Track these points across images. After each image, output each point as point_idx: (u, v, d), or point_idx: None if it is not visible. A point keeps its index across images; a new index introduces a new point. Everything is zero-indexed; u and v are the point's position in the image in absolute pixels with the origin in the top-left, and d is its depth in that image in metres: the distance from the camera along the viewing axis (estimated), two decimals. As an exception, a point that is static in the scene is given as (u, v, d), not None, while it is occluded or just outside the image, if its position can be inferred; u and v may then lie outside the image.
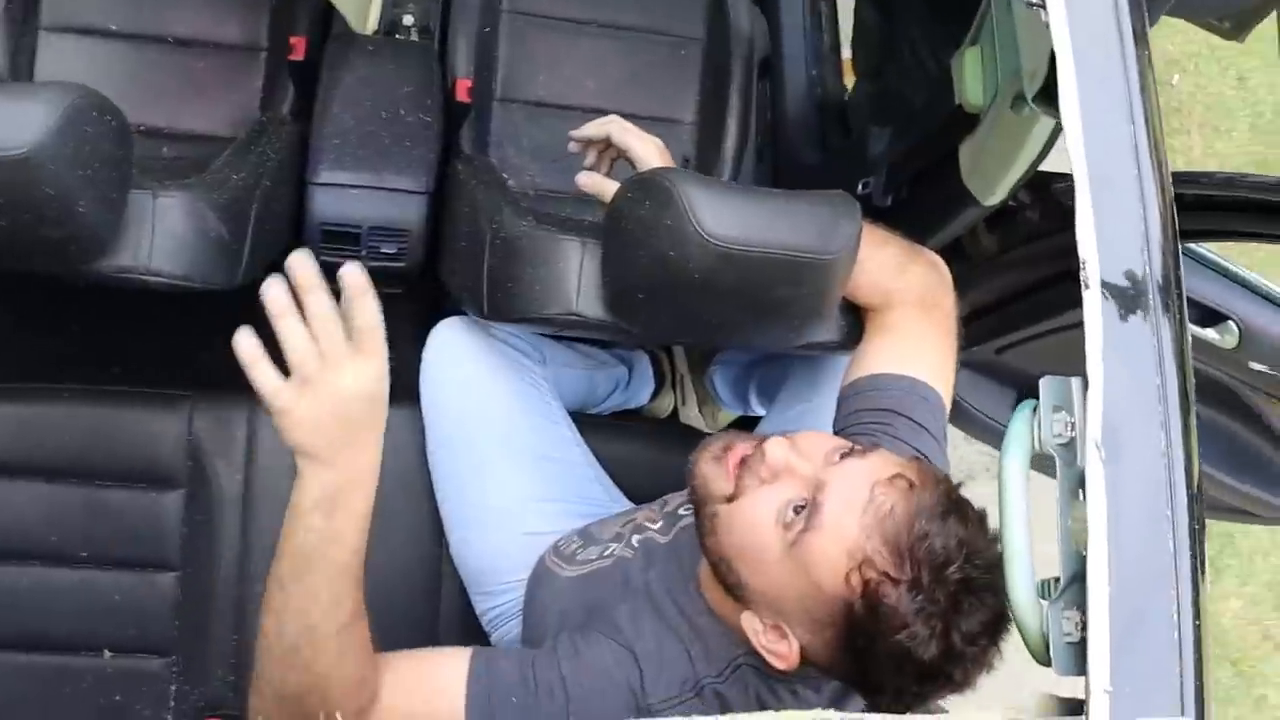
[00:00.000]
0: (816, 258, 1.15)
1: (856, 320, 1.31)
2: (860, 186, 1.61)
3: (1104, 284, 0.81)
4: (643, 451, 1.59)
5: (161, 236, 1.24)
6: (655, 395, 1.95)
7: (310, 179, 1.48)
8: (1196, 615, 0.74)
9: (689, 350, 2.00)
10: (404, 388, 1.72)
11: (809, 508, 0.94)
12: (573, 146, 1.43)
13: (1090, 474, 0.75)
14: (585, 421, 1.55)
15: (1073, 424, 0.78)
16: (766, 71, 1.90)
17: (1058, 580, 0.78)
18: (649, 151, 1.32)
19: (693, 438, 1.79)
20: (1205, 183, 1.40)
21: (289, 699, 0.96)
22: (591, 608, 1.15)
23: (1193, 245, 1.49)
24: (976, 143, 1.36)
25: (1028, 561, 0.79)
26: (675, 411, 2.02)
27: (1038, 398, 0.81)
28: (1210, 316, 1.48)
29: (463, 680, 1.03)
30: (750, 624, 1.00)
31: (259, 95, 1.67)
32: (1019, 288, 1.58)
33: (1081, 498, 0.77)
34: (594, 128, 1.38)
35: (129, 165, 1.22)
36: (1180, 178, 1.41)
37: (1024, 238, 1.54)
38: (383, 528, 1.54)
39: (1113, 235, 0.83)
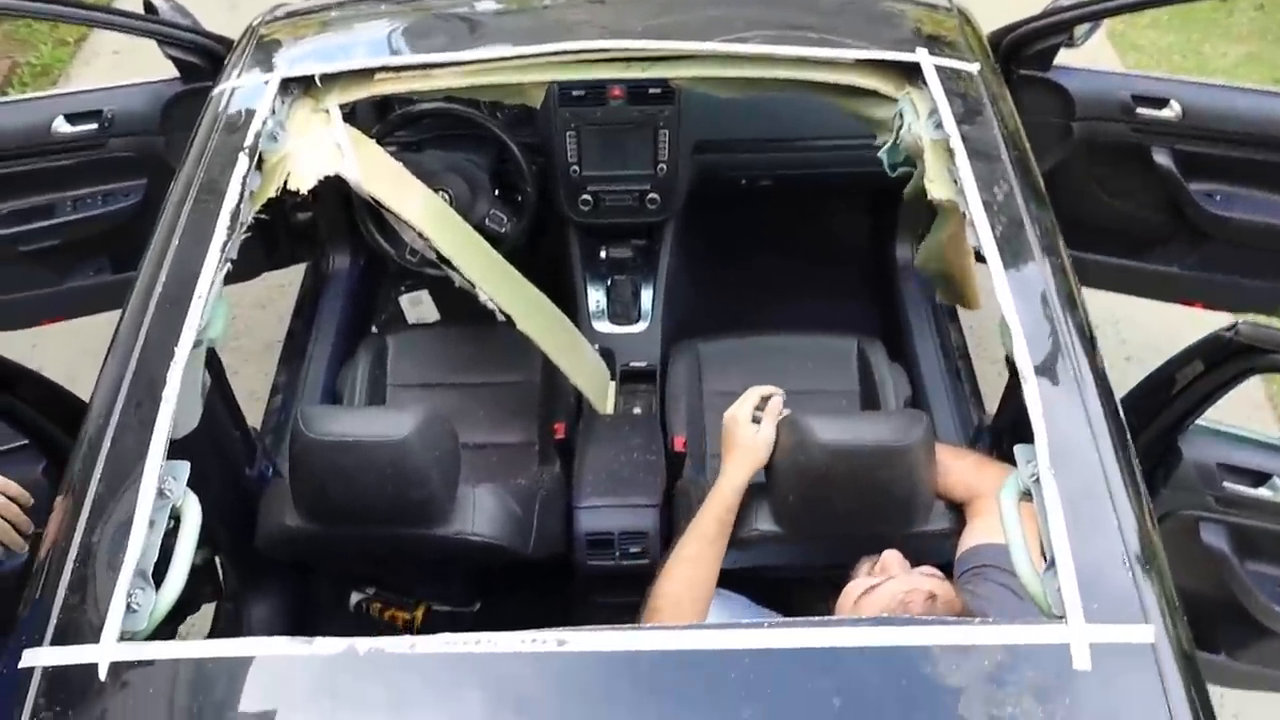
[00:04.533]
0: (897, 445, 1.63)
1: (959, 515, 1.76)
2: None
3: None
4: None
5: (480, 511, 1.85)
6: None
7: (575, 504, 2.13)
8: None
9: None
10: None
11: None
12: None
13: None
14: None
15: None
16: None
17: None
18: None
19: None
20: None
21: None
22: None
23: (1221, 424, 1.84)
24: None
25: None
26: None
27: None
28: (1257, 478, 1.82)
29: None
30: None
31: (536, 460, 2.37)
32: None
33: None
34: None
35: (458, 457, 1.85)
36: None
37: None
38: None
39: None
